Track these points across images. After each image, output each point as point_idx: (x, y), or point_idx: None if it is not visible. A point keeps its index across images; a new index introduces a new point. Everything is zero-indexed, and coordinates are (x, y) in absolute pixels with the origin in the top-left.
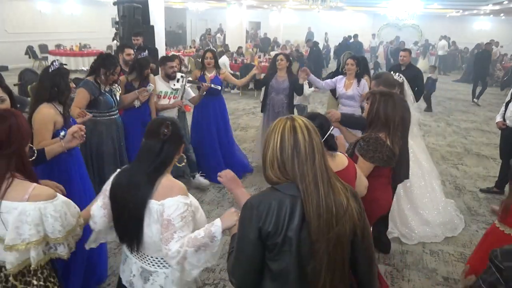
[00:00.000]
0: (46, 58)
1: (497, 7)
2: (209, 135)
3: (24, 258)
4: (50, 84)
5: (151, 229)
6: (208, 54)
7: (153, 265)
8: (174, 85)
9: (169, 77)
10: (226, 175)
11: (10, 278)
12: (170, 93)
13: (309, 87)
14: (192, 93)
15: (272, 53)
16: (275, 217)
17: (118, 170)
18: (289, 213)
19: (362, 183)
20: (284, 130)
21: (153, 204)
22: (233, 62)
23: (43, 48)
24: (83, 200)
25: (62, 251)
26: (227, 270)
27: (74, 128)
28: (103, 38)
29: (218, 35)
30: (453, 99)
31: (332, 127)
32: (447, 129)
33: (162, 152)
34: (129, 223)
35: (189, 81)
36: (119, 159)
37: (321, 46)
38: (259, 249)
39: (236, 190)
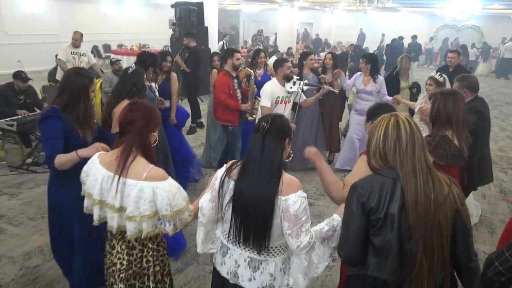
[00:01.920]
0: (109, 57)
1: None
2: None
3: (140, 228)
4: (130, 83)
5: (276, 222)
6: (261, 54)
7: (263, 254)
8: (291, 88)
9: (287, 79)
10: (310, 150)
11: (132, 240)
12: (285, 97)
13: None
14: (303, 95)
15: (322, 54)
16: (377, 195)
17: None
18: (390, 193)
19: None
20: (388, 125)
21: (278, 200)
22: None
23: (107, 47)
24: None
25: (168, 228)
26: (337, 248)
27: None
28: (161, 38)
29: (273, 36)
30: (511, 104)
31: None
32: (500, 133)
33: (264, 147)
34: (258, 222)
35: (307, 84)
36: (161, 151)
37: (374, 48)
38: (363, 223)
39: (320, 163)
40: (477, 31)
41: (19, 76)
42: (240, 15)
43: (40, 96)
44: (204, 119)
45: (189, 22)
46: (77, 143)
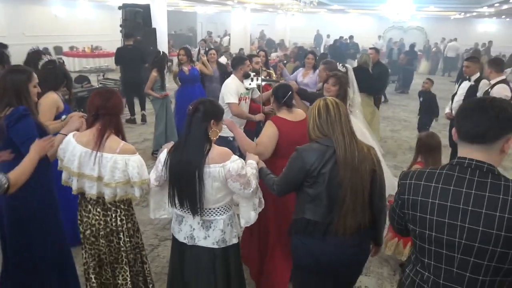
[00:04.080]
0: (60, 59)
1: (492, 10)
2: None
3: (115, 193)
4: (62, 74)
5: (212, 187)
6: (181, 51)
7: (212, 215)
8: (250, 84)
9: (245, 76)
10: (226, 119)
11: (107, 203)
12: (245, 93)
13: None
14: (258, 91)
15: (273, 55)
16: (315, 159)
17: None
18: (327, 158)
19: None
20: (319, 105)
21: (213, 168)
22: None
23: (58, 49)
24: None
25: (137, 193)
26: (268, 186)
27: (76, 114)
28: (114, 40)
29: (227, 37)
30: (443, 99)
31: (290, 92)
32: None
33: (190, 126)
34: (192, 189)
35: (263, 80)
36: None
37: (322, 48)
38: (299, 178)
39: (236, 129)
40: (421, 32)
41: None
42: (197, 17)
43: None
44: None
45: (134, 23)
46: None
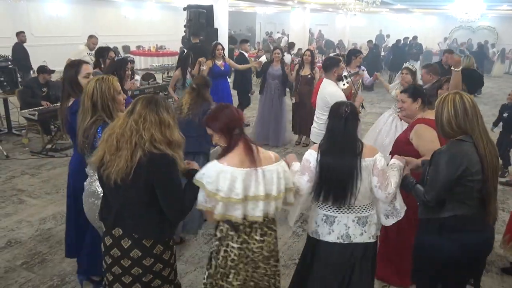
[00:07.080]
0: (127, 57)
1: None
2: None
3: (278, 204)
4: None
5: (367, 181)
6: (219, 46)
7: (367, 210)
8: (344, 85)
9: (339, 78)
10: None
11: (264, 227)
12: None
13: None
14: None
15: (331, 55)
16: (467, 159)
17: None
18: (476, 155)
19: None
20: (455, 100)
21: (366, 162)
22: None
23: (126, 48)
24: None
25: (291, 199)
26: (416, 194)
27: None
28: (177, 40)
29: (285, 37)
30: None
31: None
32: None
33: (346, 126)
34: (349, 184)
35: (350, 74)
36: None
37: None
38: (453, 180)
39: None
40: (492, 32)
41: (45, 69)
42: (256, 17)
43: None
44: None
45: (198, 24)
46: None
